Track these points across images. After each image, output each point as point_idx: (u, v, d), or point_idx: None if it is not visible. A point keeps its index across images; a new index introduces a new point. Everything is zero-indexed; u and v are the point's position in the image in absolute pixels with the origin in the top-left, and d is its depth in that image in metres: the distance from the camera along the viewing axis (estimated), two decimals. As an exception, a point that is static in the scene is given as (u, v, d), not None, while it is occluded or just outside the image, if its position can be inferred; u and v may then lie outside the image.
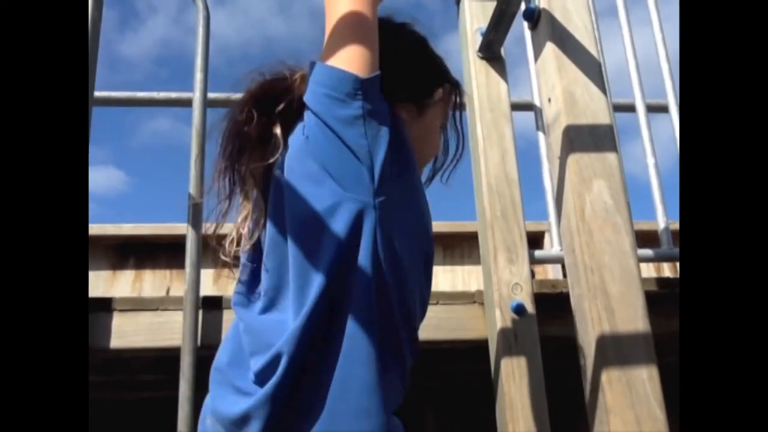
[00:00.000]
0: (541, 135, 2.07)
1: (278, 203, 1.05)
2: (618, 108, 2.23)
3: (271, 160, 1.09)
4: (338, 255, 0.96)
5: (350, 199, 0.96)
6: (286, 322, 0.99)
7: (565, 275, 2.90)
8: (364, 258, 0.97)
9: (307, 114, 1.02)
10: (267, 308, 1.05)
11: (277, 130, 1.11)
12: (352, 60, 0.98)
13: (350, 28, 1.01)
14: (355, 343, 0.96)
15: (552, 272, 3.09)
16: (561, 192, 1.42)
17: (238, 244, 1.17)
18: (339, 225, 0.96)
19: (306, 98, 1.02)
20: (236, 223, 1.17)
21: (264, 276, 1.08)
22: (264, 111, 1.13)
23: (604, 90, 1.48)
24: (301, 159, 1.02)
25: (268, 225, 1.08)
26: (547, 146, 1.52)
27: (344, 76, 0.97)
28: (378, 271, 0.97)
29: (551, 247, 2.01)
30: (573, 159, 1.39)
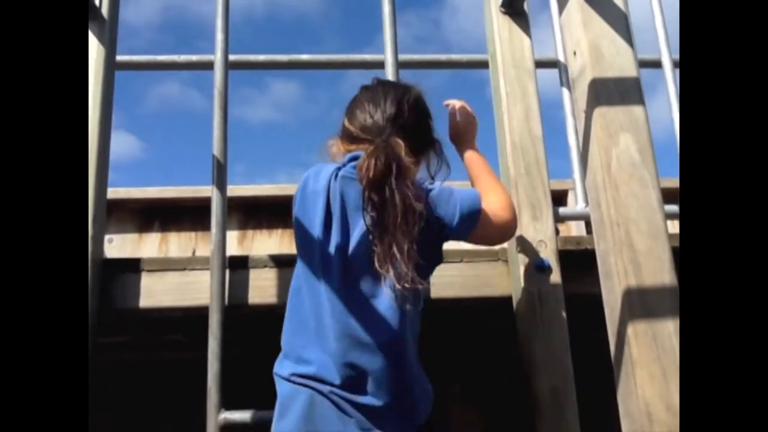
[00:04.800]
0: (565, 91, 2.05)
1: None
2: (642, 64, 2.19)
3: None
4: None
5: None
6: None
7: (589, 232, 2.89)
8: None
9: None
10: None
11: None
12: None
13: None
14: None
15: (575, 230, 3.08)
16: (587, 146, 1.41)
17: None
18: None
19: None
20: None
21: None
22: None
23: (630, 43, 1.45)
24: None
25: None
26: (573, 101, 1.50)
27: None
28: None
29: (575, 204, 1.99)
30: (599, 113, 1.37)
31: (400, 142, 1.36)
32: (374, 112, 1.44)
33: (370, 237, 1.29)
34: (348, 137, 1.46)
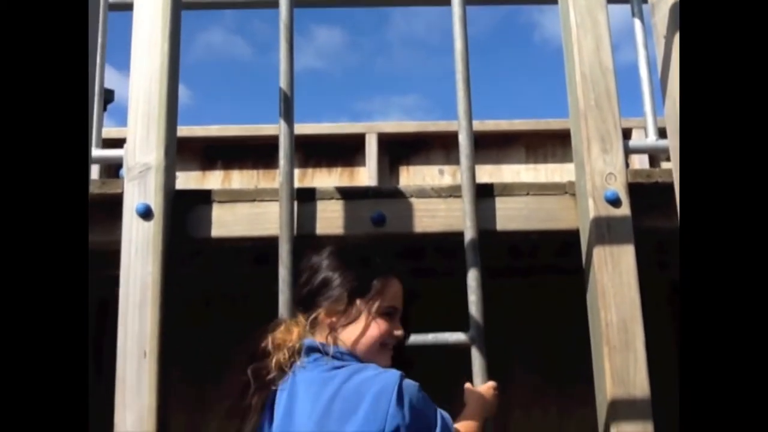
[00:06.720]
0: (636, 22, 2.00)
1: None
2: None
3: None
4: None
5: None
6: None
7: (652, 166, 2.85)
8: None
9: None
10: None
11: None
12: None
13: None
14: None
15: (639, 165, 3.02)
16: (666, 73, 1.38)
17: None
18: None
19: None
20: None
21: None
22: None
23: (714, -36, 1.40)
24: None
25: None
26: (652, 26, 1.46)
27: None
28: None
29: (645, 138, 1.96)
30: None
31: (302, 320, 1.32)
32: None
33: None
34: None
